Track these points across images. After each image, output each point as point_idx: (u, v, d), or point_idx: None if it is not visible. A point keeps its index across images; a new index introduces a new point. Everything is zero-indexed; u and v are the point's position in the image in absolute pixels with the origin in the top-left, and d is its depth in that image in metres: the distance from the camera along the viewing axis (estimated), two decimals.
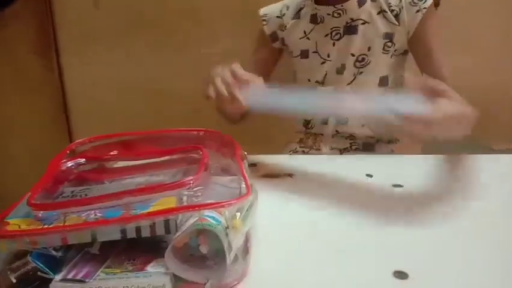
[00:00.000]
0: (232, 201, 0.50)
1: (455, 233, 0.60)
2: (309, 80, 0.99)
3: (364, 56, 0.95)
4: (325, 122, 1.01)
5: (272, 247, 0.58)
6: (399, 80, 1.00)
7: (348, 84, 0.97)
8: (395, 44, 0.95)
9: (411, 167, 0.80)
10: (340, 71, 0.96)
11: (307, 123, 1.05)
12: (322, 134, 1.02)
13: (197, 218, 0.48)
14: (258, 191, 0.69)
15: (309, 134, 1.05)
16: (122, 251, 0.51)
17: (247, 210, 0.54)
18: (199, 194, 0.53)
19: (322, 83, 0.98)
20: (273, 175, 0.80)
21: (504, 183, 0.75)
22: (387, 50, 0.95)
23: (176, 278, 0.48)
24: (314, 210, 0.67)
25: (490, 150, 1.32)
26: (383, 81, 0.97)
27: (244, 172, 0.60)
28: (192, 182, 0.52)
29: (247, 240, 0.56)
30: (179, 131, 0.77)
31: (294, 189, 0.74)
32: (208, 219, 0.48)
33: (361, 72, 0.96)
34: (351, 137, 1.01)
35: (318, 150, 1.03)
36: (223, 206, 0.49)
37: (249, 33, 1.08)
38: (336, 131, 1.01)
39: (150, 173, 0.67)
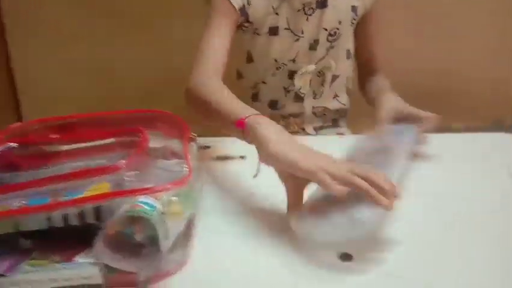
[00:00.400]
0: (169, 186, 0.47)
1: (398, 215, 0.58)
2: (275, 60, 0.95)
3: (336, 30, 0.93)
4: (300, 100, 0.97)
5: (218, 233, 0.56)
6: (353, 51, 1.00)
7: (320, 60, 0.94)
8: (358, 17, 0.94)
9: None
10: (313, 46, 0.93)
11: (274, 103, 0.99)
12: (302, 113, 0.99)
13: (130, 204, 0.45)
14: (206, 174, 0.67)
15: (279, 116, 1.00)
16: (51, 241, 0.48)
17: (188, 194, 0.51)
18: (135, 179, 0.49)
19: (293, 61, 0.94)
20: (225, 157, 0.77)
21: (456, 163, 0.75)
22: (353, 23, 0.95)
23: (109, 269, 0.45)
24: (263, 194, 0.64)
25: (447, 129, 1.33)
26: (348, 54, 0.97)
27: (188, 154, 0.56)
28: (124, 166, 0.49)
29: (190, 226, 0.53)
30: (127, 112, 0.73)
31: (245, 172, 0.71)
32: (141, 205, 0.45)
33: (332, 47, 0.94)
34: (325, 111, 1.00)
35: (299, 132, 0.99)
36: (158, 191, 0.46)
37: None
38: (312, 107, 0.99)
39: (90, 158, 0.63)
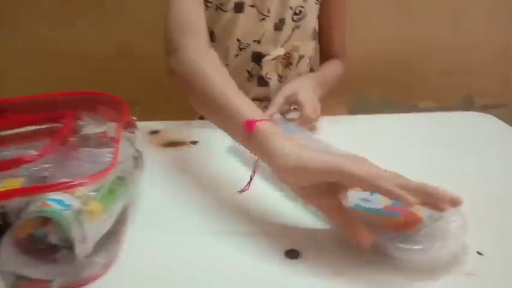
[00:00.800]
0: (85, 180, 0.41)
1: None
2: (239, 40, 0.88)
3: (301, 9, 0.87)
4: (264, 84, 0.90)
5: (155, 229, 0.50)
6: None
7: (286, 41, 0.88)
8: None
9: (334, 128, 0.74)
10: (279, 26, 0.87)
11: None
12: (267, 97, 0.92)
13: (39, 202, 0.39)
14: (152, 162, 0.60)
15: None
16: None
17: (115, 188, 0.45)
18: (50, 173, 0.43)
19: (258, 42, 0.88)
20: (175, 143, 0.71)
21: (426, 143, 0.71)
22: (318, 1, 0.89)
23: (17, 277, 0.39)
24: (209, 184, 0.59)
25: (415, 109, 1.30)
26: (313, 34, 0.91)
27: (120, 141, 0.50)
28: (34, 158, 0.42)
29: (121, 222, 0.48)
30: (63, 94, 0.66)
31: (194, 159, 0.66)
32: (51, 203, 0.39)
33: (298, 27, 0.88)
34: None
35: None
36: (72, 187, 0.40)
37: None
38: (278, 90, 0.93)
39: (18, 146, 0.56)
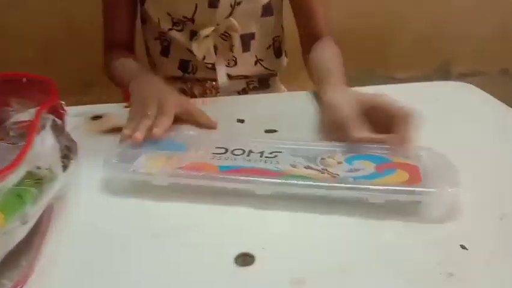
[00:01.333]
0: None
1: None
2: (169, 14, 0.78)
3: None
4: (211, 67, 0.83)
5: (87, 235, 0.42)
6: (280, 6, 0.83)
7: (225, 19, 0.78)
8: None
9: (305, 104, 0.67)
10: (213, 3, 0.76)
11: (185, 65, 0.83)
12: (214, 80, 0.84)
13: None
14: (82, 153, 0.52)
15: (194, 80, 0.85)
16: None
17: (26, 190, 0.37)
18: None
19: (192, 21, 0.78)
20: (120, 129, 0.62)
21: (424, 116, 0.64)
22: None
23: None
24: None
25: (391, 80, 1.25)
26: (267, 10, 0.81)
27: (34, 132, 0.41)
28: None
29: (39, 231, 0.40)
30: None
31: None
32: None
33: (239, 3, 0.77)
34: (247, 79, 0.87)
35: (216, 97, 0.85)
36: None
37: None
38: (228, 74, 0.84)
39: None
